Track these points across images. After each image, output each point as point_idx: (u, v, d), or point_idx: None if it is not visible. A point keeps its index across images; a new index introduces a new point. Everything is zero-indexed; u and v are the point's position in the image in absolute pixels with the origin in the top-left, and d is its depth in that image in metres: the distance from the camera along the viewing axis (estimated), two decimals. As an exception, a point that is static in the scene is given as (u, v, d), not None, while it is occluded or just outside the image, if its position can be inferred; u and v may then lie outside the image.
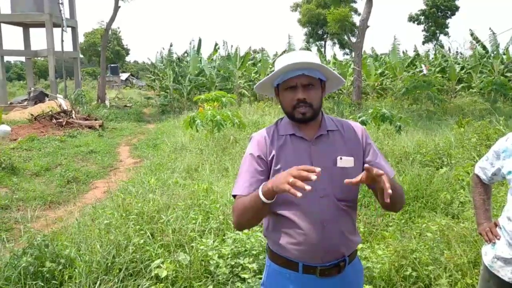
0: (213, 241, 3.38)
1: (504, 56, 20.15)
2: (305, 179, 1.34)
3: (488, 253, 2.01)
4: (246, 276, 2.96)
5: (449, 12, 41.84)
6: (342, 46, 45.57)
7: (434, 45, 38.78)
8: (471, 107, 15.54)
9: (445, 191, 4.74)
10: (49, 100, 19.15)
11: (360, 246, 3.36)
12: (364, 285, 2.72)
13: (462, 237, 3.42)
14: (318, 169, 1.36)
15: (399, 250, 3.24)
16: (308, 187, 1.32)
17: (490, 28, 19.17)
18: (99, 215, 4.28)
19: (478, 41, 20.43)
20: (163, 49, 27.08)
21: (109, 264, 3.12)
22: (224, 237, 3.56)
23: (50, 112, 14.65)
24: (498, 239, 1.96)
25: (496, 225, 2.02)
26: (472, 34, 20.97)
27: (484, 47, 20.41)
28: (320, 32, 44.94)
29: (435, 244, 3.37)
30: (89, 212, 4.84)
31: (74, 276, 2.98)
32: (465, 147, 6.69)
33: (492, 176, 2.08)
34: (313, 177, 1.33)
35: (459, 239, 3.39)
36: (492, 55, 19.65)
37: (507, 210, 1.94)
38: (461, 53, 23.01)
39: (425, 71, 17.24)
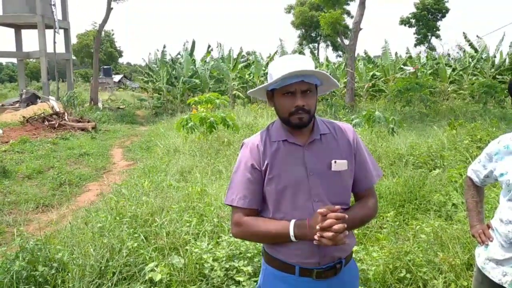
0: (208, 244, 3.36)
1: (495, 59, 20.39)
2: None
3: (481, 255, 2.02)
4: (241, 279, 2.95)
5: (439, 15, 42.19)
6: (335, 48, 45.84)
7: (426, 48, 39.10)
8: (463, 109, 15.66)
9: (438, 193, 4.77)
10: (41, 102, 19.02)
11: (354, 248, 3.36)
12: (359, 286, 2.73)
13: (455, 239, 3.44)
14: (338, 207, 1.53)
15: (393, 252, 3.25)
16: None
17: (477, 35, 19.46)
18: (92, 218, 4.25)
19: (470, 43, 20.64)
20: (158, 50, 26.98)
21: (103, 268, 3.09)
22: (218, 240, 3.55)
23: (42, 114, 14.53)
24: (491, 241, 1.97)
25: (489, 227, 2.03)
26: (465, 37, 21.20)
27: (476, 50, 20.63)
28: (313, 34, 45.14)
29: (429, 245, 3.39)
30: (82, 215, 4.81)
31: (67, 280, 2.96)
32: (457, 149, 6.74)
33: (484, 178, 2.09)
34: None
35: (452, 241, 3.41)
36: (483, 57, 19.87)
37: (499, 212, 1.96)
38: (449, 55, 23.23)
39: (411, 69, 17.39)
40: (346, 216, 1.50)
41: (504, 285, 1.87)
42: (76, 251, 3.34)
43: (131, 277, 3.08)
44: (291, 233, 1.56)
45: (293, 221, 1.58)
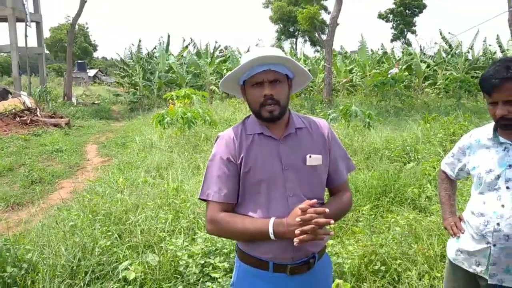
0: (183, 241, 3.32)
1: (469, 54, 20.90)
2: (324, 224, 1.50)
3: (452, 247, 2.05)
4: (216, 275, 2.92)
5: (416, 10, 42.92)
6: (313, 43, 46.09)
7: (402, 43, 39.75)
8: (437, 103, 15.98)
9: (413, 186, 4.85)
10: (12, 97, 18.45)
11: (330, 242, 3.38)
12: (334, 279, 2.73)
13: (429, 231, 3.50)
14: (314, 201, 1.52)
15: (368, 245, 3.27)
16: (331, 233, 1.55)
17: (449, 32, 19.87)
18: (64, 217, 4.14)
19: (446, 40, 21.10)
20: (133, 45, 26.57)
21: (75, 267, 3.02)
22: (194, 236, 3.51)
23: (13, 110, 14.13)
24: (463, 233, 2.00)
25: (460, 219, 2.06)
26: (441, 33, 21.64)
27: (450, 46, 21.11)
28: (291, 29, 45.22)
29: (403, 238, 3.43)
30: (54, 214, 4.68)
31: (37, 281, 2.88)
32: (431, 142, 6.86)
33: (458, 171, 2.12)
34: (331, 221, 1.49)
35: (426, 233, 3.46)
36: (457, 52, 20.35)
37: (471, 205, 1.99)
38: (421, 50, 23.66)
39: (394, 71, 17.64)
40: (327, 210, 1.49)
41: (479, 274, 1.90)
42: (47, 251, 3.24)
43: (104, 276, 3.02)
44: (271, 231, 1.53)
45: (272, 219, 1.55)
